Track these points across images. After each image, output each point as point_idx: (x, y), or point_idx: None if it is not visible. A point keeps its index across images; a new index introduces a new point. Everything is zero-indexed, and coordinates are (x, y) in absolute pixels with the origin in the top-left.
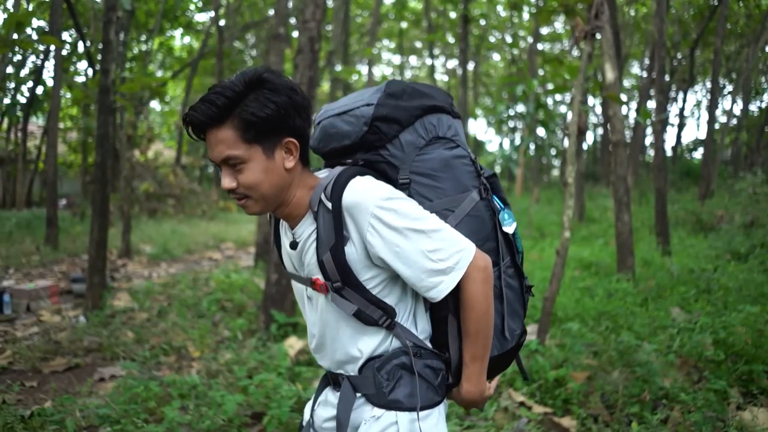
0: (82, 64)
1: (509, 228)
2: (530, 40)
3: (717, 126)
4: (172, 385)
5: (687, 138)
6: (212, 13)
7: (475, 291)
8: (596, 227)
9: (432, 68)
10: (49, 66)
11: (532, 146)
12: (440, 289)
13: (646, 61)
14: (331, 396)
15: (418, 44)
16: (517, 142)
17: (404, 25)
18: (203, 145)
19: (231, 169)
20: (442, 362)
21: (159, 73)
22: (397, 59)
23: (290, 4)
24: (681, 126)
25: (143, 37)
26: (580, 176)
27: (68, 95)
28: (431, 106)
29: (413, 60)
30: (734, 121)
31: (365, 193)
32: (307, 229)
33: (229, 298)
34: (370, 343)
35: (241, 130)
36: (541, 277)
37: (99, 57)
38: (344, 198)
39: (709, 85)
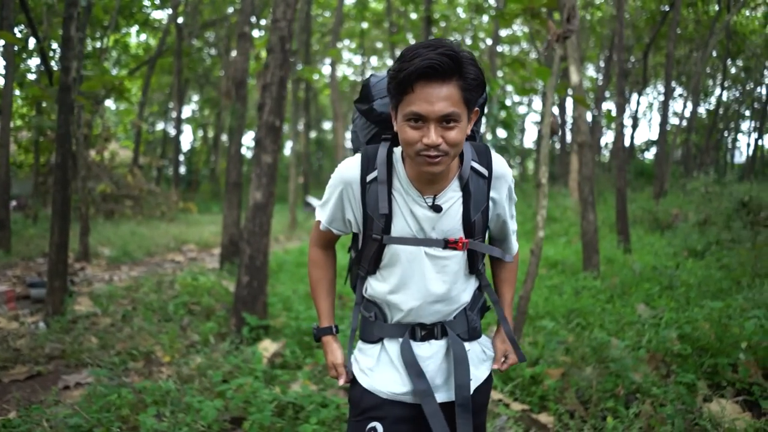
0: (33, 61)
1: None
2: (489, 42)
3: (668, 127)
4: (145, 392)
5: (639, 139)
6: (170, 11)
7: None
8: (558, 226)
9: None
10: None
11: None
12: (516, 248)
13: (601, 64)
14: (416, 346)
15: (379, 44)
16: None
17: (365, 25)
18: (160, 144)
19: (440, 126)
20: None
21: (113, 72)
22: (357, 59)
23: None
24: (634, 127)
25: (98, 34)
26: None
27: (17, 92)
28: None
29: (374, 60)
30: (684, 123)
31: (506, 167)
32: (453, 194)
33: (197, 301)
34: (471, 288)
35: (463, 90)
36: None
37: (52, 54)
38: (495, 167)
39: (659, 87)
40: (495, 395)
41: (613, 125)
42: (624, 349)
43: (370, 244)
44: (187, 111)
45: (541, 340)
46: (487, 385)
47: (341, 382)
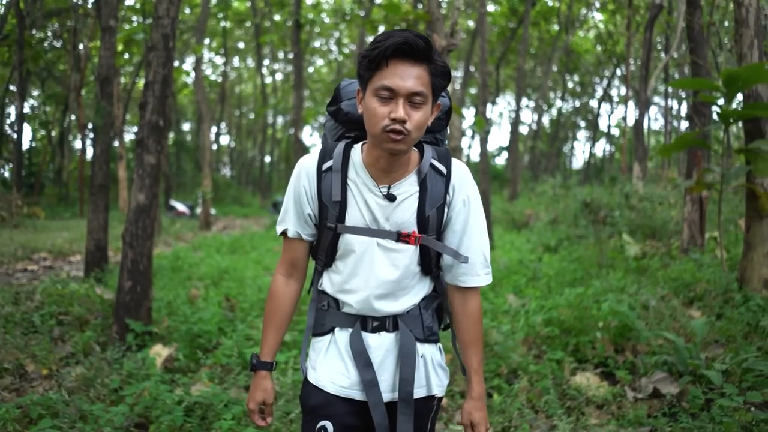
0: None
1: None
2: (353, 47)
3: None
4: (29, 406)
5: (491, 145)
6: None
7: None
8: None
9: (259, 70)
10: None
11: None
12: (483, 278)
13: (456, 74)
14: (366, 336)
15: (241, 45)
16: None
17: (227, 24)
18: None
19: (408, 104)
20: None
21: None
22: (218, 59)
23: None
24: (486, 133)
25: None
26: None
27: None
28: None
29: (236, 61)
30: (531, 131)
31: (467, 172)
32: (409, 187)
33: (65, 310)
34: (425, 287)
35: (432, 75)
36: None
37: None
38: (453, 168)
39: (508, 97)
40: None
41: (479, 131)
42: (504, 333)
43: (326, 234)
44: (25, 107)
45: None
46: (433, 402)
47: (267, 422)
